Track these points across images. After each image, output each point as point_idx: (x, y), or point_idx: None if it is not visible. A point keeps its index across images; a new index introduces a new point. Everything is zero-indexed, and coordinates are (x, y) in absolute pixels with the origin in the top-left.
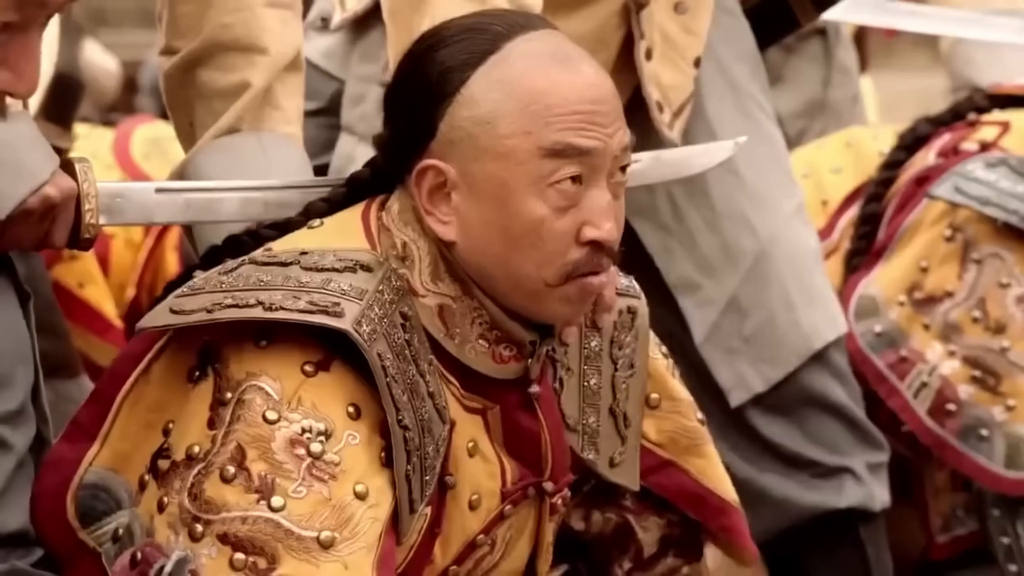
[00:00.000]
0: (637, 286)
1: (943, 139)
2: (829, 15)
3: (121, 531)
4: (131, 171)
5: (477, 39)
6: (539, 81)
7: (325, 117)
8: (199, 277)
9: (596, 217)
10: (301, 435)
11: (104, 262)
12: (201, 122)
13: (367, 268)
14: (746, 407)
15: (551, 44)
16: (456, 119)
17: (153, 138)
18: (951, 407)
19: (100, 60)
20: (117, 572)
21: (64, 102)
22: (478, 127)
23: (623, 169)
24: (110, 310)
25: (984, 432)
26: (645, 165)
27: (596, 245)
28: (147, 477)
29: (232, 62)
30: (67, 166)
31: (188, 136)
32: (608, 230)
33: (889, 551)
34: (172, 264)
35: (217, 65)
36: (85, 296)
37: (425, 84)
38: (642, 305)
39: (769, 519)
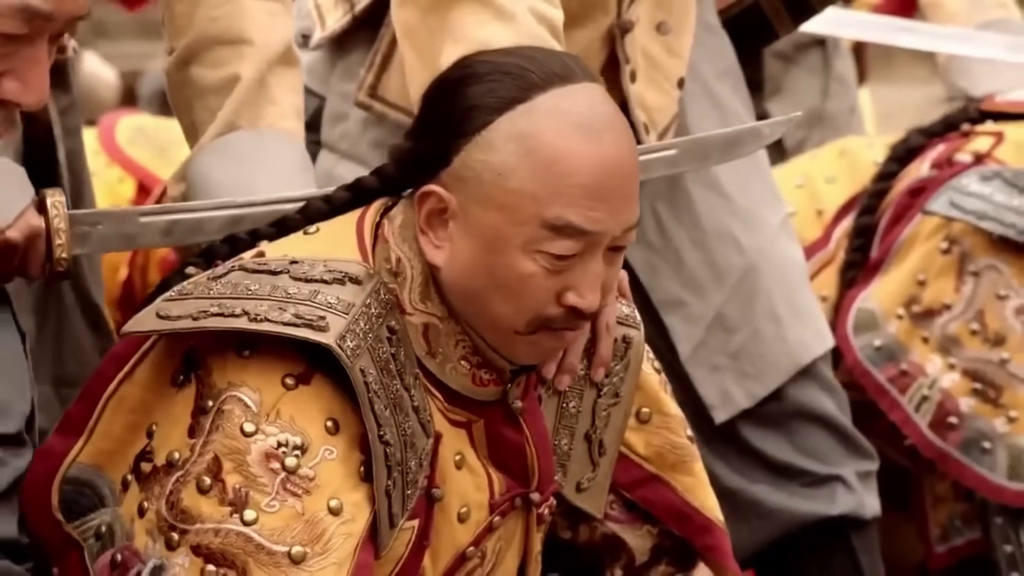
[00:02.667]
0: (638, 316)
1: (937, 150)
2: (809, 27)
3: (104, 529)
4: (116, 156)
5: (509, 84)
6: (557, 146)
7: (306, 133)
8: (188, 282)
9: (582, 286)
10: (277, 449)
11: None
12: (200, 120)
13: (356, 281)
14: (735, 420)
15: (583, 105)
16: (471, 159)
17: (138, 126)
18: (952, 420)
19: (99, 71)
20: (98, 571)
21: None
22: (489, 173)
23: (619, 248)
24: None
25: (986, 444)
26: (678, 153)
27: (575, 309)
28: (130, 478)
29: (221, 56)
30: (40, 201)
31: (192, 136)
32: (590, 301)
33: (882, 560)
34: None
35: (207, 61)
36: None
37: (449, 115)
38: (638, 335)
39: (761, 529)
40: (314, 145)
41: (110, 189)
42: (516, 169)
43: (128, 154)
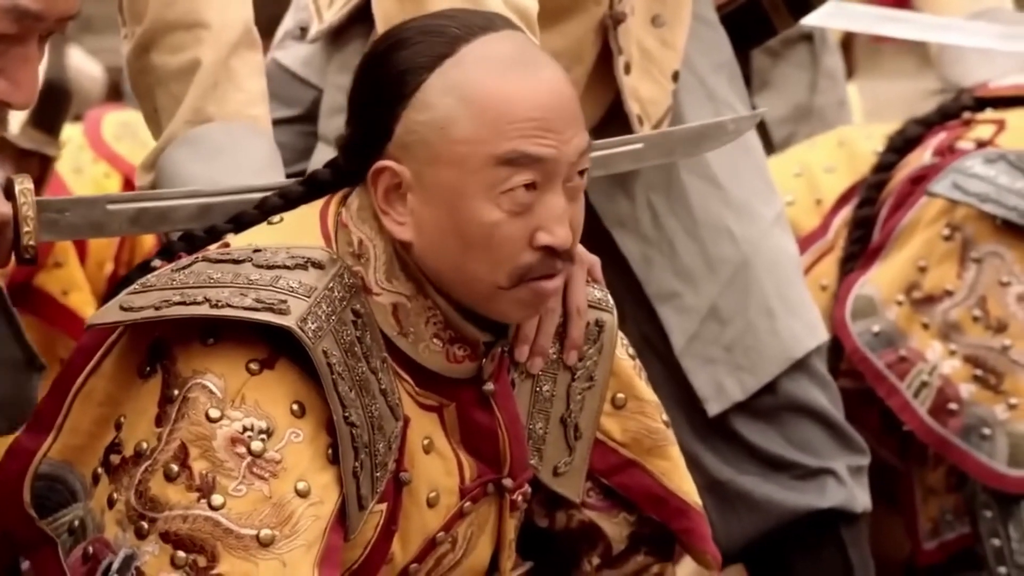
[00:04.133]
0: (611, 300)
1: (938, 138)
2: (807, 21)
3: (76, 524)
4: (102, 151)
5: (433, 42)
6: (493, 87)
7: (303, 124)
8: (152, 274)
9: (550, 223)
10: (242, 433)
11: (82, 240)
12: (163, 107)
13: (319, 265)
14: (727, 412)
15: (508, 46)
16: (411, 122)
17: (124, 121)
18: (953, 406)
19: (85, 66)
20: (71, 565)
21: (52, 109)
22: (432, 132)
23: (581, 173)
24: None
25: (986, 431)
26: (644, 147)
27: (550, 250)
28: (100, 471)
29: (179, 41)
30: (7, 188)
31: (154, 122)
32: (562, 236)
33: (871, 556)
34: (148, 238)
35: (166, 47)
36: (69, 303)
37: (381, 86)
38: (611, 319)
39: (751, 521)
40: (310, 137)
41: (96, 184)
42: (457, 119)
43: (114, 149)
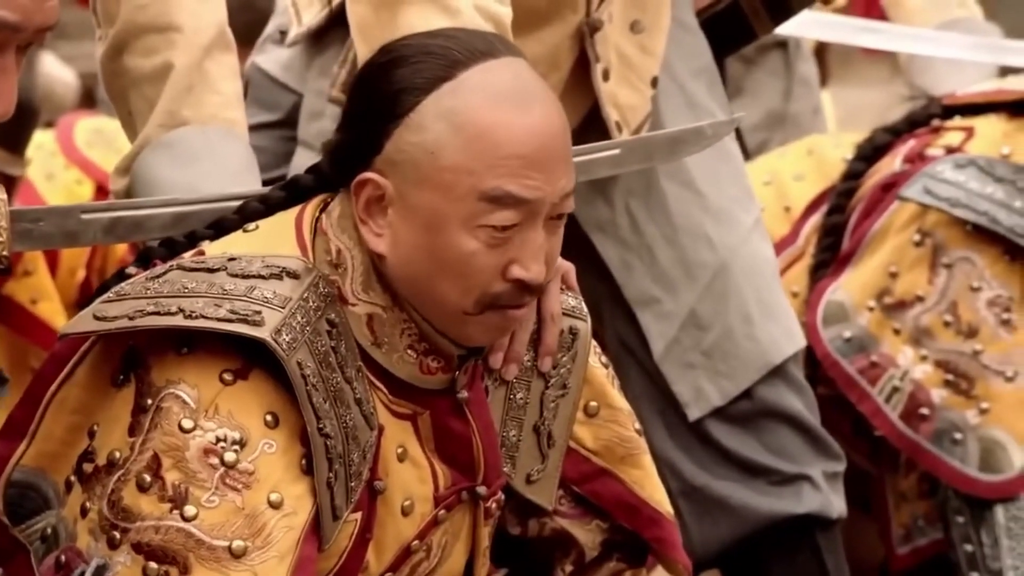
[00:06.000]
0: (585, 307)
1: (908, 146)
2: (783, 29)
3: (49, 531)
4: (74, 157)
5: (433, 64)
6: (486, 119)
7: (283, 129)
8: (126, 283)
9: (526, 258)
10: (215, 444)
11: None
12: (137, 110)
13: (294, 275)
14: (704, 417)
15: (507, 77)
16: (402, 141)
17: (97, 128)
18: (924, 411)
19: (57, 72)
20: (43, 573)
21: (17, 127)
22: (422, 154)
23: (560, 216)
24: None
25: (958, 436)
26: (622, 152)
27: (521, 283)
28: (73, 479)
29: (152, 44)
30: None
31: (129, 125)
32: (536, 272)
33: (846, 562)
34: (121, 246)
35: (139, 49)
36: (38, 312)
37: (377, 101)
38: (585, 327)
39: (727, 526)
40: (290, 141)
41: (68, 191)
42: (448, 146)
43: (86, 156)
